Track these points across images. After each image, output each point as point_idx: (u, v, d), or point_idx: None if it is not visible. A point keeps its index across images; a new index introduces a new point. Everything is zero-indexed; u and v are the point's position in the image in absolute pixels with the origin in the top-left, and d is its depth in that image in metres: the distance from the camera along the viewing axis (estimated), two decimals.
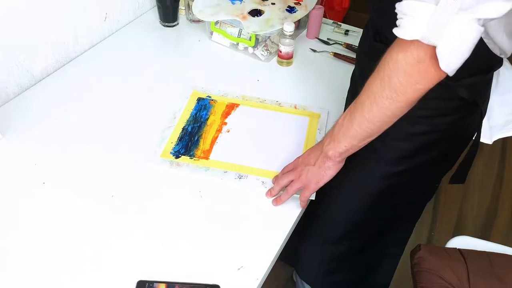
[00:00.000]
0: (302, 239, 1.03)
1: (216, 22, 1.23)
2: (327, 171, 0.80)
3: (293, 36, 1.16)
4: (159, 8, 1.30)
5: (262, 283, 0.77)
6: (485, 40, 0.68)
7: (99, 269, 0.75)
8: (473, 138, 0.87)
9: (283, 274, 1.58)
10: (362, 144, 0.75)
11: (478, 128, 0.86)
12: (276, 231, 0.82)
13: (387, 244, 1.05)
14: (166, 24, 1.33)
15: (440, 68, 0.59)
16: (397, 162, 0.85)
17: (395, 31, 0.61)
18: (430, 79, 0.62)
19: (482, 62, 0.73)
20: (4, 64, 1.03)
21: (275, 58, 1.22)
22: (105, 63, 1.18)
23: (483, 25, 0.57)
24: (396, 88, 0.64)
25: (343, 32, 1.32)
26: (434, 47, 0.58)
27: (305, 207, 0.85)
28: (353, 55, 1.23)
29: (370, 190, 0.90)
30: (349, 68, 1.20)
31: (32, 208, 0.84)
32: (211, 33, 1.27)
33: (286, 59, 1.19)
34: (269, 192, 0.87)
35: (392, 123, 0.71)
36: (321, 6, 1.28)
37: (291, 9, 1.23)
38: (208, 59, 1.22)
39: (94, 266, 0.76)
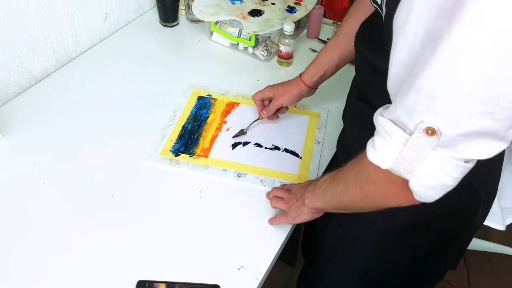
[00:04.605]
0: None
1: (216, 22, 1.23)
2: (302, 214, 0.77)
3: (293, 36, 1.16)
4: (159, 8, 1.30)
5: (262, 283, 0.77)
6: None
7: (99, 269, 0.75)
8: (471, 224, 0.78)
9: (283, 274, 1.58)
10: (336, 211, 0.71)
11: (475, 214, 0.75)
12: (276, 231, 0.82)
13: None
14: (166, 24, 1.33)
15: (413, 197, 0.52)
16: (385, 237, 0.78)
17: (368, 146, 0.53)
18: (402, 201, 0.55)
19: None
20: (4, 64, 1.03)
21: (275, 58, 1.22)
22: (105, 63, 1.18)
23: (472, 162, 0.48)
24: (366, 193, 0.58)
25: None
26: None
27: (271, 224, 0.83)
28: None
29: (363, 263, 0.85)
30: (349, 68, 1.20)
31: (32, 208, 0.84)
32: (211, 33, 1.27)
33: (286, 59, 1.19)
34: (267, 194, 0.87)
35: (364, 211, 0.64)
36: (321, 6, 1.28)
37: (291, 9, 1.23)
38: (208, 59, 1.22)
39: (94, 266, 0.76)
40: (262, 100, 1.00)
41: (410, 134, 0.47)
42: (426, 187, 0.49)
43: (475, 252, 1.09)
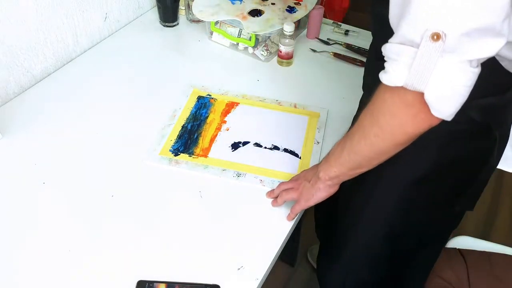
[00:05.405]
0: (326, 268, 1.02)
1: (216, 22, 1.23)
2: (318, 192, 0.78)
3: (293, 36, 1.16)
4: (159, 8, 1.30)
5: (262, 283, 0.77)
6: (497, 58, 0.61)
7: (99, 269, 0.75)
8: (488, 164, 0.80)
9: (283, 274, 1.58)
10: (353, 173, 0.72)
11: (492, 154, 0.78)
12: (276, 231, 0.82)
13: (411, 274, 0.99)
14: (166, 24, 1.33)
15: (432, 114, 0.54)
16: (407, 189, 0.80)
17: (381, 75, 0.56)
18: (421, 124, 0.57)
19: (496, 81, 0.64)
20: (4, 64, 1.03)
21: (275, 58, 1.22)
22: (105, 63, 1.18)
23: (478, 66, 0.51)
24: (384, 128, 0.60)
25: (343, 32, 1.32)
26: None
27: (291, 220, 0.83)
28: (353, 55, 1.23)
29: (387, 219, 0.86)
30: (349, 68, 1.21)
31: (32, 208, 0.84)
32: (211, 33, 1.27)
33: (286, 59, 1.19)
34: (269, 193, 0.87)
35: (382, 160, 0.66)
36: (321, 6, 1.28)
37: (291, 9, 1.23)
38: (208, 59, 1.22)
39: (94, 266, 0.76)
40: None
41: (418, 47, 0.50)
42: (441, 97, 0.52)
43: (475, 252, 1.09)
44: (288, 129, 1.02)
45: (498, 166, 0.87)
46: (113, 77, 1.14)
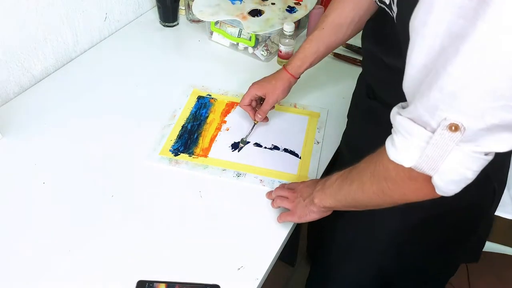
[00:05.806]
0: None
1: (216, 22, 1.23)
2: (311, 213, 0.77)
3: (293, 36, 1.16)
4: (159, 8, 1.30)
5: (262, 283, 0.77)
6: None
7: (99, 269, 0.75)
8: (485, 214, 0.79)
9: (283, 274, 1.58)
10: (348, 209, 0.71)
11: (490, 207, 0.77)
12: (276, 231, 0.82)
13: None
14: (166, 24, 1.33)
15: (435, 192, 0.53)
16: (398, 234, 0.80)
17: (388, 145, 0.54)
18: (422, 197, 0.56)
19: None
20: (4, 64, 1.03)
21: (275, 58, 1.22)
22: (105, 63, 1.18)
23: (492, 154, 0.49)
24: (384, 190, 0.59)
25: None
26: None
27: (281, 222, 0.83)
28: (353, 55, 1.23)
29: (377, 261, 0.86)
30: (349, 68, 1.20)
31: (32, 208, 0.84)
32: (211, 33, 1.27)
33: (286, 59, 1.19)
34: (268, 194, 0.87)
35: (378, 208, 0.65)
36: (321, 6, 1.28)
37: (291, 9, 1.23)
38: (208, 59, 1.22)
39: (95, 266, 0.76)
40: (250, 103, 0.98)
41: (433, 132, 0.47)
42: (449, 182, 0.50)
43: None
44: (288, 129, 1.02)
45: (496, 213, 0.86)
46: (113, 77, 1.14)
